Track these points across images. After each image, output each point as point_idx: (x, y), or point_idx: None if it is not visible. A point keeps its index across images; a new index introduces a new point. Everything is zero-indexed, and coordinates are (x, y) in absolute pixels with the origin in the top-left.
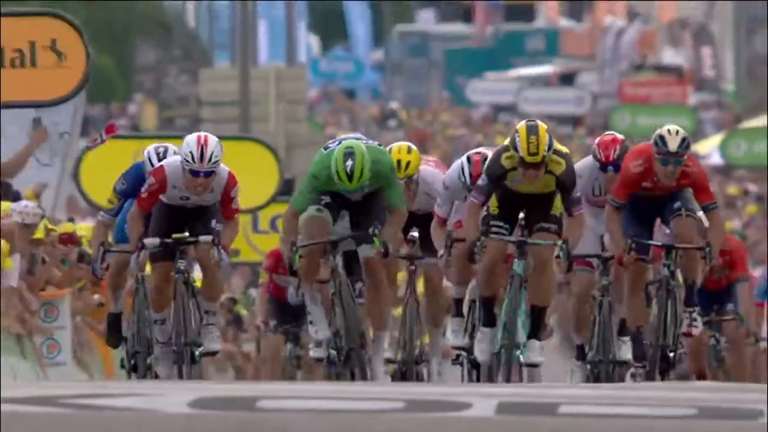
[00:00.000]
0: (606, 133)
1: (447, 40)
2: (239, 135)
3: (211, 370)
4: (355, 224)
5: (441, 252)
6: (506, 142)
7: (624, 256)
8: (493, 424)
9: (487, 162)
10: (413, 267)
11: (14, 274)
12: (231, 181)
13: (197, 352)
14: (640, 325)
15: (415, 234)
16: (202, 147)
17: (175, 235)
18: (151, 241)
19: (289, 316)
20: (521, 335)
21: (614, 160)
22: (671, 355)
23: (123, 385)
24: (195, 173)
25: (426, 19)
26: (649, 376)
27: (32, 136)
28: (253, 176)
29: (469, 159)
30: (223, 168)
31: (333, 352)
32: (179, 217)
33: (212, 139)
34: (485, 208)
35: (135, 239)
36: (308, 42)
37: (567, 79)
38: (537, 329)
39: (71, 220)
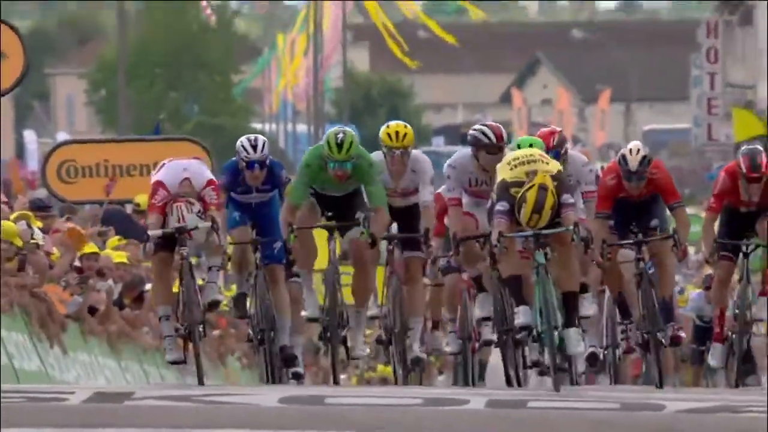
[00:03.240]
0: (544, 126)
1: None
2: None
3: None
4: (341, 218)
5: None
6: (511, 175)
7: (602, 261)
8: (484, 415)
9: (495, 188)
10: (391, 247)
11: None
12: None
13: (199, 329)
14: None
15: (395, 231)
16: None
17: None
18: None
19: None
20: (557, 318)
21: (553, 147)
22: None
23: (233, 388)
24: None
25: (437, 143)
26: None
27: None
28: None
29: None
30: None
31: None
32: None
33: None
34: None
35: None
36: None
37: None
38: (571, 315)
39: None
